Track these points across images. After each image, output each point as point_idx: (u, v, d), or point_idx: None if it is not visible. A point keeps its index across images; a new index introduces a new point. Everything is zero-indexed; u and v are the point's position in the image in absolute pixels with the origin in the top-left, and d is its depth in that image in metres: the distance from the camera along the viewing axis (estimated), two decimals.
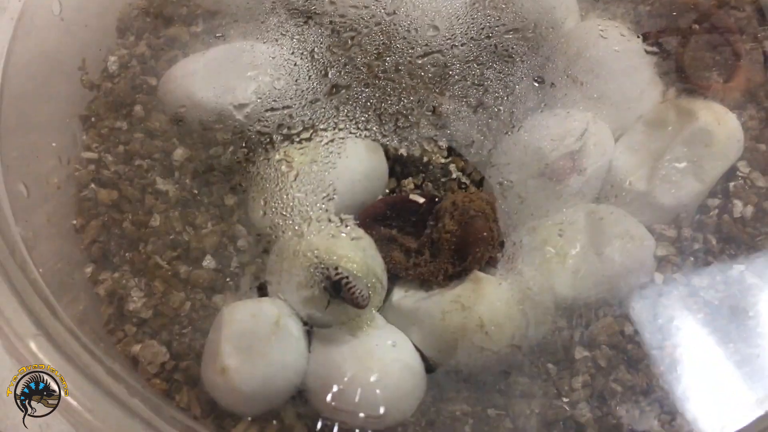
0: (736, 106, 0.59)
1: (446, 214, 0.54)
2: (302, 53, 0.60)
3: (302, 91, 0.59)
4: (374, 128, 0.57)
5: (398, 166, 0.59)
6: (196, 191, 0.59)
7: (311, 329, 0.52)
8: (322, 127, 0.57)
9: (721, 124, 0.56)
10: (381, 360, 0.50)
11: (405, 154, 0.58)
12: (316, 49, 0.61)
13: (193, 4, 0.68)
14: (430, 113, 0.58)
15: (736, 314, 0.53)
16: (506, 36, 0.60)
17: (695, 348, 0.52)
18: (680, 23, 0.63)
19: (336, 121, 0.57)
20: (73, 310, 0.54)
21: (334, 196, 0.54)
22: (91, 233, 0.60)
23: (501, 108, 0.58)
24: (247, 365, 0.49)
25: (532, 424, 0.51)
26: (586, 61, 0.58)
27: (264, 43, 0.61)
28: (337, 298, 0.50)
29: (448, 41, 0.60)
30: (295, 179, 0.54)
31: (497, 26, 0.60)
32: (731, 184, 0.57)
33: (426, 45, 0.60)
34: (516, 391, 0.51)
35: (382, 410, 0.49)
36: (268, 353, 0.50)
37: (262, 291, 0.54)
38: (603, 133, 0.57)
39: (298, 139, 0.57)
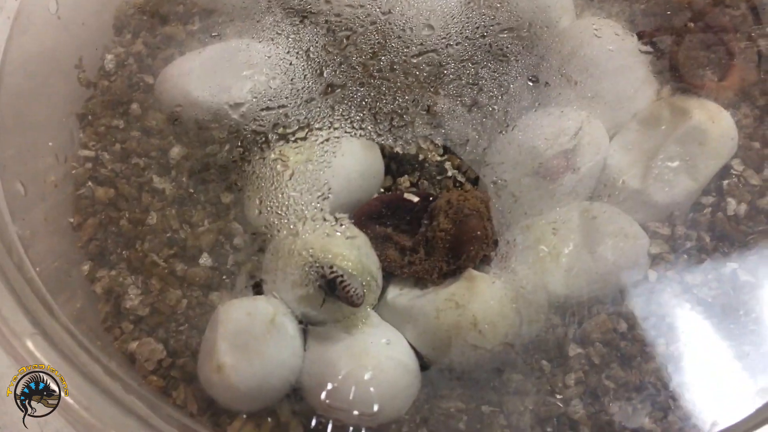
0: (730, 105, 0.59)
1: (441, 212, 0.54)
2: (298, 52, 0.61)
3: (298, 90, 0.59)
4: (369, 127, 0.57)
5: (394, 163, 0.59)
6: (192, 189, 0.59)
7: (306, 327, 0.52)
8: (317, 126, 0.57)
9: (715, 123, 0.56)
10: (375, 358, 0.50)
11: (401, 152, 0.58)
12: (311, 48, 0.61)
13: (189, 3, 0.68)
14: (425, 112, 0.58)
15: (729, 312, 0.53)
16: (501, 35, 0.60)
17: (688, 345, 0.52)
18: (675, 22, 0.63)
19: (331, 120, 0.57)
20: (70, 308, 0.54)
21: (329, 195, 0.54)
22: (88, 231, 0.60)
23: (495, 107, 0.58)
24: (242, 363, 0.50)
25: (525, 420, 0.51)
26: (580, 60, 0.58)
27: (260, 42, 0.61)
28: (332, 296, 0.50)
29: (443, 40, 0.60)
30: (291, 178, 0.55)
31: (492, 25, 0.60)
32: (725, 182, 0.57)
33: (421, 44, 0.60)
34: (510, 388, 0.52)
35: (376, 408, 0.49)
36: (263, 351, 0.50)
37: (258, 289, 0.54)
38: (597, 131, 0.57)
39: (293, 138, 0.57)
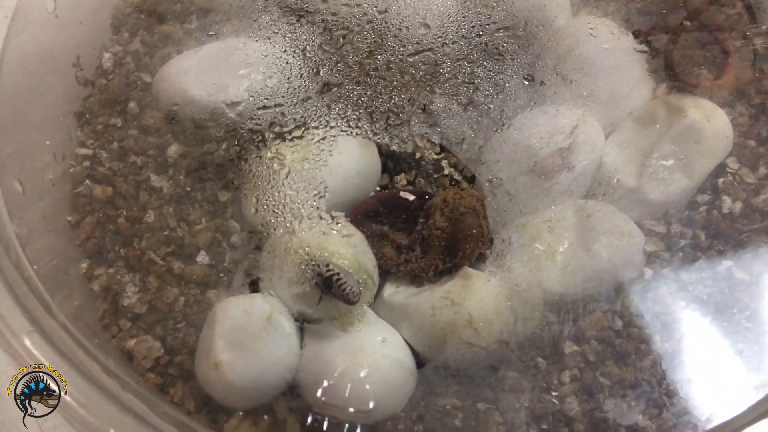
0: (726, 103, 0.59)
1: (437, 210, 0.54)
2: (294, 51, 0.61)
3: (294, 89, 0.59)
4: (366, 126, 0.57)
5: (391, 162, 0.59)
6: (189, 188, 0.59)
7: (303, 325, 0.53)
8: (314, 124, 0.57)
9: (710, 121, 0.56)
10: (371, 355, 0.50)
11: (397, 151, 0.58)
12: (308, 47, 0.61)
13: (186, 2, 0.68)
14: (421, 111, 0.58)
15: (724, 309, 0.53)
16: (497, 34, 0.60)
17: (683, 343, 0.52)
18: (670, 20, 0.63)
19: (328, 119, 0.57)
20: (68, 305, 0.55)
21: (326, 194, 0.54)
22: (85, 229, 0.60)
23: (491, 106, 0.58)
24: (239, 360, 0.50)
25: (521, 417, 0.51)
26: (575, 59, 0.59)
27: (256, 41, 0.61)
28: (328, 294, 0.51)
29: (439, 39, 0.60)
30: (287, 177, 0.55)
31: (488, 24, 0.60)
32: (720, 180, 0.58)
33: (417, 43, 0.60)
34: (505, 385, 0.52)
35: (371, 405, 0.49)
36: (260, 349, 0.50)
37: (255, 287, 0.55)
38: (593, 130, 0.57)
39: (290, 137, 0.57)
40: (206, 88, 0.59)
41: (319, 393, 0.50)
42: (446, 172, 0.58)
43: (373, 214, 0.56)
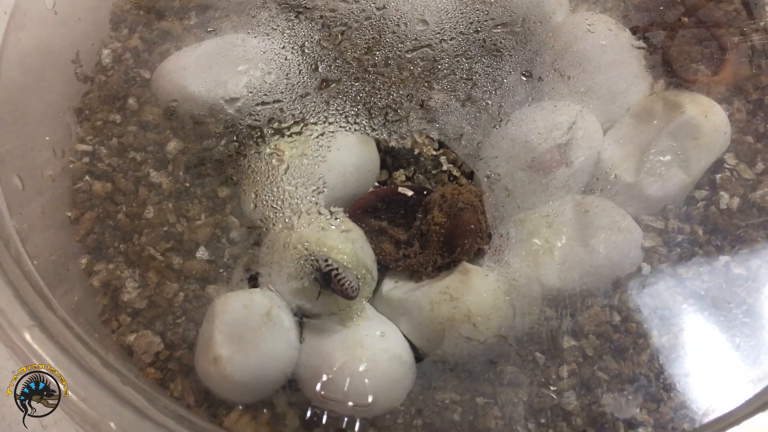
0: (723, 99, 0.59)
1: (435, 206, 0.54)
2: (293, 47, 0.61)
3: (293, 85, 0.59)
4: (364, 122, 0.58)
5: (390, 158, 0.59)
6: (189, 183, 0.59)
7: (302, 320, 0.53)
8: (312, 120, 0.57)
9: (707, 117, 0.56)
10: (370, 350, 0.50)
11: (396, 146, 0.58)
12: (306, 43, 0.61)
13: None
14: (419, 107, 0.58)
15: (721, 304, 0.53)
16: (495, 30, 0.60)
17: (680, 337, 0.53)
18: (668, 17, 0.63)
19: (326, 114, 0.58)
20: (68, 301, 0.55)
21: (324, 189, 0.55)
22: (85, 225, 0.60)
23: (489, 102, 0.58)
24: (239, 355, 0.50)
25: (519, 411, 0.51)
26: (573, 55, 0.59)
27: (255, 37, 0.61)
28: (327, 289, 0.51)
29: (437, 35, 0.60)
30: (286, 172, 0.55)
31: (486, 21, 0.60)
32: (718, 176, 0.58)
33: (415, 39, 0.60)
34: (504, 379, 0.52)
35: (370, 399, 0.49)
36: (259, 343, 0.50)
37: (254, 282, 0.55)
38: (591, 125, 0.57)
39: (288, 133, 0.57)
40: (205, 84, 0.59)
41: (318, 387, 0.50)
42: (445, 167, 0.58)
43: (371, 209, 0.57)
